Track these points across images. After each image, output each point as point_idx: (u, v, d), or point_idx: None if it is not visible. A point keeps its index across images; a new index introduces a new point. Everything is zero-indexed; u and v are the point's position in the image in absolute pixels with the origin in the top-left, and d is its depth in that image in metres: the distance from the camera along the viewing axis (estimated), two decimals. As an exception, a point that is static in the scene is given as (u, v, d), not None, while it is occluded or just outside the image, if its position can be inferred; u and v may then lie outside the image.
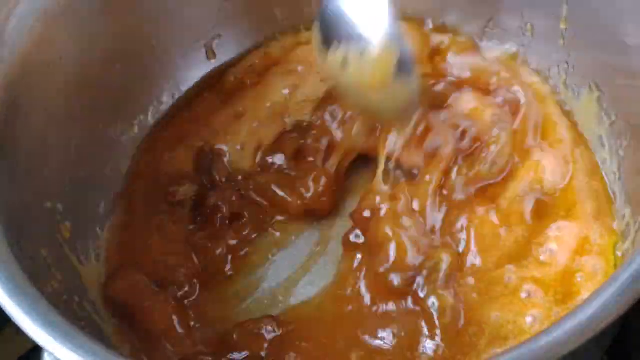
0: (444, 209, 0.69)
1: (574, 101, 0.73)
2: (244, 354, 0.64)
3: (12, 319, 0.50)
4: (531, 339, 0.46)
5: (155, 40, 0.77)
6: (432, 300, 0.64)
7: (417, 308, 0.65)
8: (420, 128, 0.71)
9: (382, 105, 0.68)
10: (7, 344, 0.61)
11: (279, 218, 0.74)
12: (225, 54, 0.83)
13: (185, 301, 0.68)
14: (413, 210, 0.69)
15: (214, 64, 0.83)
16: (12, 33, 0.64)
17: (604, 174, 0.70)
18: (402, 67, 0.64)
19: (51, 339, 0.48)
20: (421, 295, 0.64)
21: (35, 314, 0.49)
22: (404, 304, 0.65)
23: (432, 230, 0.68)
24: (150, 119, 0.80)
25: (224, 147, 0.76)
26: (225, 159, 0.75)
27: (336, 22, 0.65)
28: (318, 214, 0.73)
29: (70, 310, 0.61)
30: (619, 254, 0.65)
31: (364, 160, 0.75)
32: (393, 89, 0.65)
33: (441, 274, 0.64)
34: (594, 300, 0.46)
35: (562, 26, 0.71)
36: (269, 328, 0.64)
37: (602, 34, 0.67)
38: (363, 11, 0.64)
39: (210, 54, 0.82)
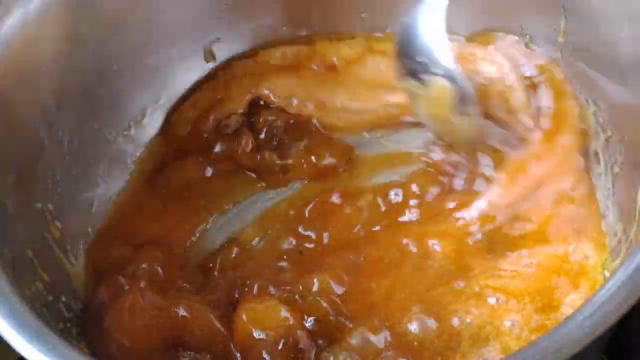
0: None
1: (571, 115, 0.73)
2: None
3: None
4: (530, 344, 0.46)
5: (153, 42, 0.77)
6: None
7: None
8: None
9: (449, 135, 0.73)
10: (8, 344, 0.61)
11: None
12: (223, 57, 0.83)
13: None
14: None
15: (211, 66, 0.83)
16: (5, 33, 0.64)
17: (597, 190, 0.70)
18: (462, 106, 0.68)
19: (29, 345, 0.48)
20: None
21: (14, 319, 0.49)
22: None
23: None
24: (147, 121, 0.79)
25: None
26: None
27: (410, 50, 0.70)
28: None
29: (56, 311, 0.61)
30: (607, 273, 0.64)
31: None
32: (455, 124, 0.70)
33: None
34: (593, 301, 0.46)
35: (560, 39, 0.71)
36: None
37: (600, 48, 0.67)
38: (429, 45, 0.68)
39: (209, 56, 0.82)
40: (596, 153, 0.70)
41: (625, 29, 0.63)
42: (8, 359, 0.68)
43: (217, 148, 0.78)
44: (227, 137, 0.78)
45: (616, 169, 0.67)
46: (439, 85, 0.68)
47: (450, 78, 0.68)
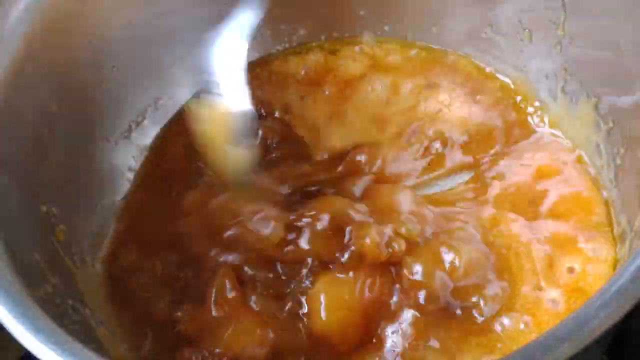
0: None
1: (572, 108, 0.73)
2: None
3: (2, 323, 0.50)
4: (529, 344, 0.46)
5: (153, 43, 0.77)
6: None
7: None
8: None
9: (218, 166, 0.68)
10: (8, 344, 0.60)
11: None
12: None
13: None
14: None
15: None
16: (7, 37, 0.64)
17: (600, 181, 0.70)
18: (241, 136, 0.65)
19: (42, 344, 0.48)
20: None
21: (26, 320, 0.49)
22: None
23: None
24: (147, 122, 0.79)
25: None
26: None
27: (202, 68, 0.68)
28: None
29: (64, 314, 0.60)
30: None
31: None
32: (230, 153, 0.66)
33: None
34: (593, 302, 0.46)
35: (560, 33, 0.71)
36: None
37: (599, 41, 0.67)
38: (223, 66, 0.66)
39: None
40: (598, 145, 0.70)
41: (624, 19, 0.63)
42: (9, 358, 0.69)
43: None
44: None
45: (618, 161, 0.68)
46: (222, 106, 0.65)
47: (235, 103, 0.65)
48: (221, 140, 0.65)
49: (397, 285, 0.65)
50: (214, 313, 0.65)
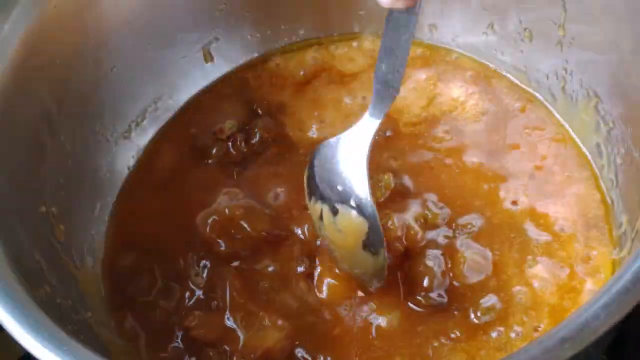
0: None
1: (572, 108, 0.73)
2: None
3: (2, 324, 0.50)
4: (530, 344, 0.46)
5: (153, 43, 0.77)
6: None
7: None
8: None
9: (350, 267, 0.67)
10: (8, 344, 0.60)
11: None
12: (222, 58, 0.83)
13: None
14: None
15: (211, 66, 0.82)
16: (6, 37, 0.64)
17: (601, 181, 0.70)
18: (371, 244, 0.64)
19: (41, 345, 0.48)
20: None
21: (26, 320, 0.49)
22: None
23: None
24: (147, 122, 0.79)
25: None
26: None
27: (321, 175, 0.66)
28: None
29: (64, 314, 0.60)
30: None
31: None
32: (359, 260, 0.65)
33: None
34: (593, 303, 0.46)
35: (560, 32, 0.71)
36: None
37: (600, 41, 0.67)
38: (347, 176, 0.65)
39: (208, 57, 0.82)
40: (598, 145, 0.70)
41: (624, 18, 0.63)
42: (9, 357, 0.68)
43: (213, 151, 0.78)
44: (221, 141, 0.78)
45: (619, 161, 0.68)
46: (351, 218, 0.64)
47: (363, 212, 0.63)
48: (351, 246, 0.65)
49: None
50: (230, 319, 0.66)
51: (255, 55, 0.84)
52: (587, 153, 0.72)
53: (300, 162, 0.74)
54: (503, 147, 0.74)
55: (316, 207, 0.66)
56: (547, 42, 0.73)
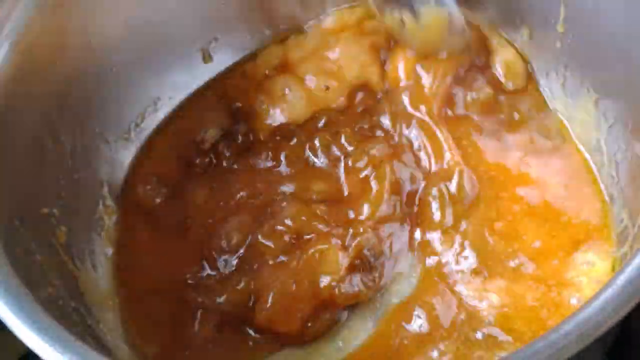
0: None
1: (572, 105, 0.73)
2: None
3: (6, 325, 0.50)
4: (530, 344, 0.46)
5: (152, 43, 0.77)
6: None
7: None
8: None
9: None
10: (8, 344, 0.60)
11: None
12: (221, 57, 0.82)
13: None
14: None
15: (209, 67, 0.82)
16: (5, 39, 0.63)
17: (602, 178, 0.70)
18: (454, 28, 0.68)
19: (46, 345, 0.48)
20: None
21: (30, 320, 0.49)
22: None
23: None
24: (147, 123, 0.79)
25: None
26: None
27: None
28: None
29: (66, 315, 0.60)
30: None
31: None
32: (447, 44, 0.69)
33: None
34: (594, 303, 0.46)
35: (560, 29, 0.71)
36: None
37: (600, 37, 0.67)
38: None
39: (207, 57, 0.82)
40: (598, 141, 0.70)
41: (624, 14, 0.63)
42: (8, 358, 0.68)
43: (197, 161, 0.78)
44: (204, 152, 0.78)
45: (619, 157, 0.68)
46: (432, 14, 0.68)
47: (441, 3, 0.67)
48: (438, 40, 0.69)
49: None
50: None
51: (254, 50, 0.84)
52: (587, 150, 0.72)
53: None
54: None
55: (395, 17, 0.69)
56: (546, 39, 0.73)
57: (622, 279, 0.47)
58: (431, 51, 0.71)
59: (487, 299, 0.64)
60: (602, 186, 0.70)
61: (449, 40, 0.69)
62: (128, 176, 0.77)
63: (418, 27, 0.68)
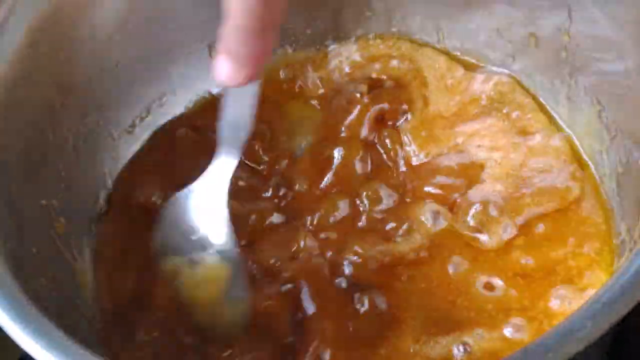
0: None
1: (576, 115, 0.73)
2: None
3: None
4: (528, 345, 0.46)
5: (158, 39, 0.77)
6: None
7: None
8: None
9: (212, 322, 0.65)
10: (8, 344, 0.60)
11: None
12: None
13: None
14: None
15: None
16: (9, 31, 0.64)
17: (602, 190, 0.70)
18: (234, 289, 0.63)
19: (35, 343, 0.48)
20: None
21: (18, 315, 0.50)
22: None
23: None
24: (151, 118, 0.80)
25: None
26: None
27: (175, 226, 0.65)
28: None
29: (59, 307, 0.60)
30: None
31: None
32: (222, 309, 0.64)
33: None
34: (594, 302, 0.46)
35: (565, 39, 0.70)
36: None
37: (604, 47, 0.67)
38: (202, 223, 0.64)
39: (213, 52, 0.82)
40: (601, 153, 0.70)
41: (628, 25, 0.63)
42: (8, 358, 0.69)
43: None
44: None
45: (620, 169, 0.67)
46: (212, 265, 0.63)
47: (225, 257, 0.63)
48: (215, 298, 0.63)
49: None
50: None
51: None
52: (589, 161, 0.72)
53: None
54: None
55: (170, 268, 0.65)
56: (552, 48, 0.72)
57: (622, 279, 0.47)
58: (205, 314, 0.64)
59: None
60: (604, 197, 0.70)
61: (229, 303, 0.63)
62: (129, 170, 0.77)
63: (194, 280, 0.63)
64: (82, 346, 0.49)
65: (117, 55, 0.74)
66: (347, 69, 0.81)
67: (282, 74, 0.81)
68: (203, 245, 0.64)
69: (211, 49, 0.82)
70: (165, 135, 0.80)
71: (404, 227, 0.68)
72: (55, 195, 0.67)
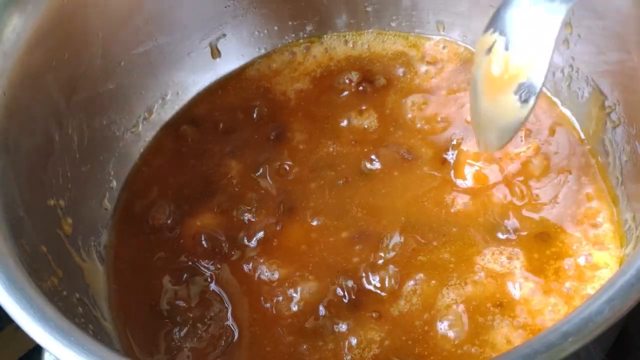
0: None
1: (578, 105, 0.73)
2: None
3: (11, 317, 0.50)
4: (528, 343, 0.46)
5: (160, 39, 0.77)
6: None
7: None
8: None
9: (485, 115, 0.66)
10: (7, 344, 0.61)
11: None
12: (230, 53, 0.83)
13: None
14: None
15: (218, 62, 0.83)
16: (13, 32, 0.64)
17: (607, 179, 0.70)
18: (524, 91, 0.62)
19: (49, 336, 0.48)
20: None
21: (34, 311, 0.50)
22: None
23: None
24: (155, 117, 0.80)
25: None
26: None
27: (506, 15, 0.64)
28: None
29: (70, 306, 0.61)
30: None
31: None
32: (502, 107, 0.64)
33: None
34: (595, 302, 0.46)
35: (567, 30, 0.71)
36: None
37: (606, 39, 0.67)
38: (531, 28, 0.63)
39: (215, 52, 0.82)
40: (604, 142, 0.70)
41: (630, 16, 0.63)
42: (8, 358, 0.69)
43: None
44: None
45: (624, 158, 0.68)
46: (524, 54, 0.62)
47: (531, 65, 0.61)
48: (504, 89, 0.63)
49: None
50: None
51: (262, 51, 0.84)
52: (593, 150, 0.72)
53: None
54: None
55: (489, 38, 0.65)
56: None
57: (622, 279, 0.47)
58: (487, 102, 0.65)
59: None
60: (609, 185, 0.70)
61: (508, 101, 0.63)
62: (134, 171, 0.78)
63: (499, 60, 0.63)
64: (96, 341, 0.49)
65: (120, 55, 0.74)
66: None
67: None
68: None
69: (213, 48, 0.82)
70: (168, 133, 0.80)
71: None
72: (61, 195, 0.67)
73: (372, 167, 0.74)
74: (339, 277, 0.67)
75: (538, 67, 0.61)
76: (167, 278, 0.69)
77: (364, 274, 0.67)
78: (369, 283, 0.66)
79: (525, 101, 0.62)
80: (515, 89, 0.62)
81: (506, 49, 0.63)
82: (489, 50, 0.64)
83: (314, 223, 0.71)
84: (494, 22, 0.65)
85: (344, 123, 0.78)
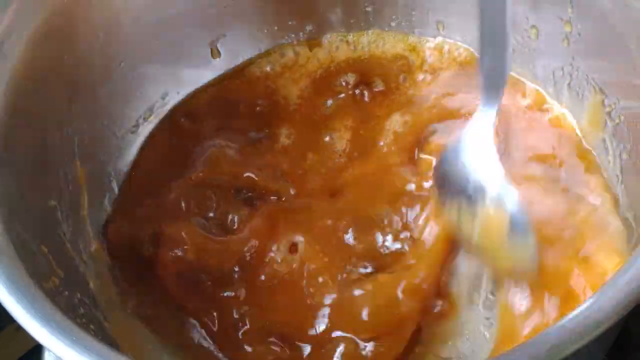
0: None
1: (578, 104, 0.73)
2: None
3: (12, 316, 0.50)
4: (528, 342, 0.46)
5: (160, 39, 0.77)
6: None
7: None
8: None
9: (499, 263, 0.65)
10: (7, 344, 0.61)
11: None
12: (229, 53, 0.83)
13: None
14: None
15: (217, 62, 0.83)
16: (15, 32, 0.64)
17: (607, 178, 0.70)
18: (516, 227, 0.62)
19: (51, 335, 0.48)
20: None
21: (35, 311, 0.50)
22: None
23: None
24: (154, 118, 0.80)
25: None
26: None
27: (450, 175, 0.65)
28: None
29: (72, 307, 0.61)
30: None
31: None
32: (508, 250, 0.63)
33: None
34: (595, 301, 0.46)
35: (567, 29, 0.71)
36: None
37: (607, 37, 0.67)
38: (476, 169, 0.64)
39: (215, 52, 0.82)
40: (604, 141, 0.70)
41: (631, 14, 0.63)
42: (8, 358, 0.69)
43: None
44: None
45: (625, 156, 0.68)
46: (492, 211, 0.62)
47: (501, 203, 0.62)
48: (499, 243, 0.63)
49: None
50: None
51: (262, 51, 0.84)
52: (593, 149, 0.72)
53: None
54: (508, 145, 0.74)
55: (451, 211, 0.65)
56: (553, 39, 0.73)
57: (622, 279, 0.47)
58: (495, 259, 0.65)
59: None
60: (608, 184, 0.70)
61: (513, 247, 0.62)
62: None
63: (474, 229, 0.63)
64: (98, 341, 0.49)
65: (121, 55, 0.74)
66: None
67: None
68: (479, 194, 0.63)
69: (213, 48, 0.82)
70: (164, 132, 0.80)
71: None
72: (62, 196, 0.67)
73: None
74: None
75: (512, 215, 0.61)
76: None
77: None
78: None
79: (522, 234, 0.62)
80: (508, 235, 0.62)
81: (472, 217, 0.63)
82: (459, 222, 0.65)
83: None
84: (444, 199, 0.66)
85: (327, 138, 0.79)
